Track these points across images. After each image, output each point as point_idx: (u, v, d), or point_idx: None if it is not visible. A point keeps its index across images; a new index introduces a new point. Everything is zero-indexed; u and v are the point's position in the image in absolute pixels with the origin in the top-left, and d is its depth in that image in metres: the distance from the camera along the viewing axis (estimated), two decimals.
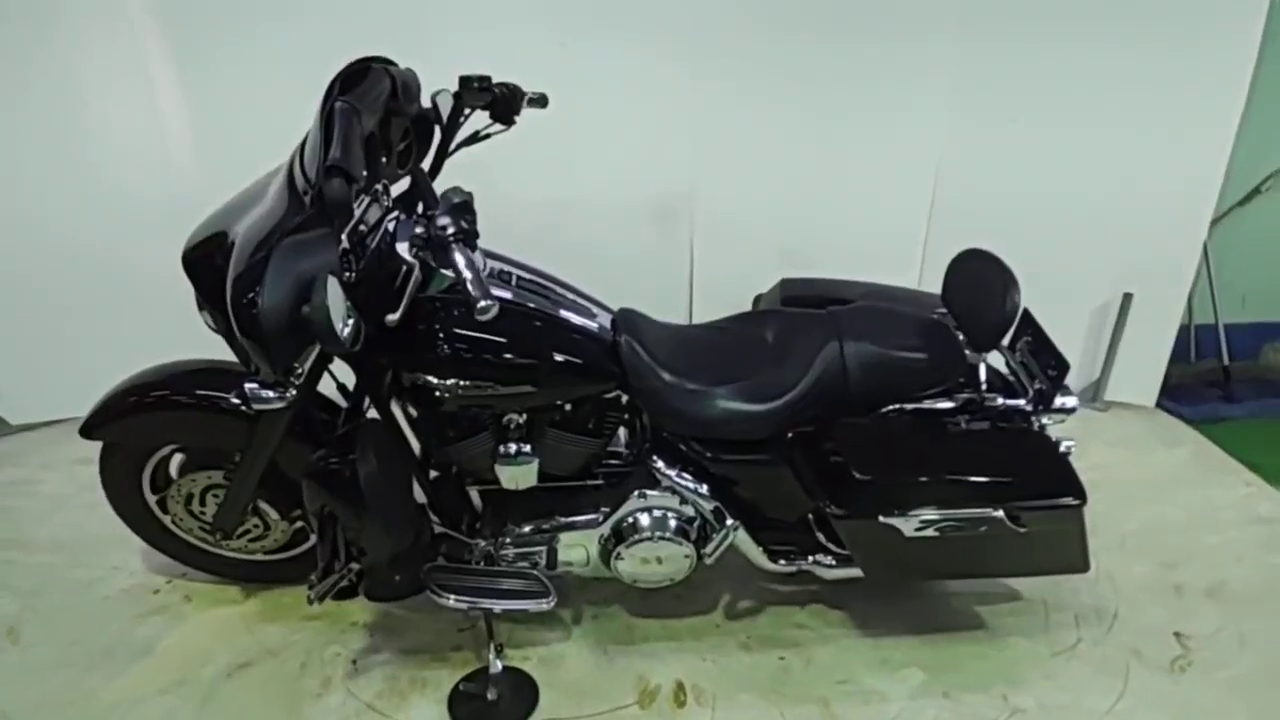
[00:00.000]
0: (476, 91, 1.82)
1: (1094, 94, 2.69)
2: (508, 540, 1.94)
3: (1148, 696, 1.89)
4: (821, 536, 1.96)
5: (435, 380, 1.67)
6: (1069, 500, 1.76)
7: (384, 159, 1.71)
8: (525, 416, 1.77)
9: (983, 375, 1.85)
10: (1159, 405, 3.15)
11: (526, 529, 1.94)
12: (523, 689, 1.88)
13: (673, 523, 1.91)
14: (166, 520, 2.05)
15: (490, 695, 1.83)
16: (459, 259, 1.40)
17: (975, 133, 2.75)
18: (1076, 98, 2.70)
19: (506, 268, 1.82)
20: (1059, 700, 1.88)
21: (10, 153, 2.57)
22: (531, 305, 1.75)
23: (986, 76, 2.68)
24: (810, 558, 1.98)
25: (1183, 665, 1.98)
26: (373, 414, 1.82)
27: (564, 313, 1.79)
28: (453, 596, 1.84)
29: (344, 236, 1.44)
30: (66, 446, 2.75)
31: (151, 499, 2.02)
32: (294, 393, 1.47)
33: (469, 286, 1.37)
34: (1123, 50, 2.62)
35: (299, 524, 2.05)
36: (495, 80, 1.85)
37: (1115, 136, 2.73)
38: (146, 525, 2.06)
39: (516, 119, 1.92)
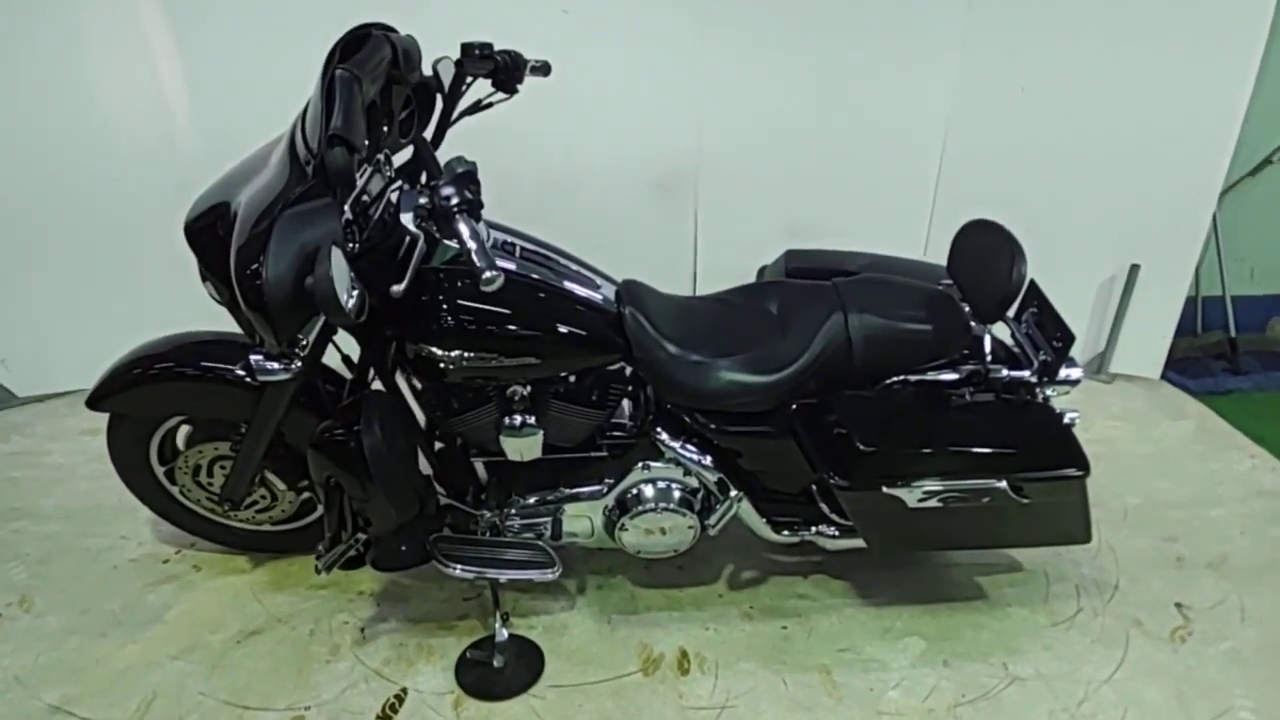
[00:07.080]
0: (478, 59, 1.80)
1: (1104, 63, 2.65)
2: (513, 511, 1.96)
3: (1147, 666, 1.91)
4: (825, 507, 1.97)
5: (439, 352, 1.67)
6: (1072, 471, 1.76)
7: (386, 128, 1.69)
8: (529, 388, 1.78)
9: (988, 347, 1.84)
10: (1164, 377, 3.15)
11: (531, 500, 1.96)
12: (528, 656, 1.91)
13: (676, 494, 1.92)
14: (174, 491, 2.07)
15: (496, 662, 1.86)
16: (464, 230, 1.40)
17: (983, 102, 2.72)
18: (1086, 66, 2.66)
19: (510, 239, 1.81)
20: (1058, 669, 1.90)
21: (15, 126, 2.55)
22: (535, 277, 1.74)
23: (995, 44, 2.64)
24: (813, 528, 1.99)
25: (1183, 636, 2.00)
26: (377, 385, 1.82)
27: (568, 284, 1.78)
28: (459, 566, 1.86)
29: (347, 207, 1.43)
30: (73, 418, 2.78)
31: (159, 470, 2.04)
32: (299, 364, 1.46)
33: (474, 257, 1.37)
34: (1134, 18, 2.58)
35: (306, 495, 2.06)
36: (497, 48, 1.83)
37: (1125, 106, 2.70)
38: (155, 496, 2.08)
39: (519, 87, 1.90)
